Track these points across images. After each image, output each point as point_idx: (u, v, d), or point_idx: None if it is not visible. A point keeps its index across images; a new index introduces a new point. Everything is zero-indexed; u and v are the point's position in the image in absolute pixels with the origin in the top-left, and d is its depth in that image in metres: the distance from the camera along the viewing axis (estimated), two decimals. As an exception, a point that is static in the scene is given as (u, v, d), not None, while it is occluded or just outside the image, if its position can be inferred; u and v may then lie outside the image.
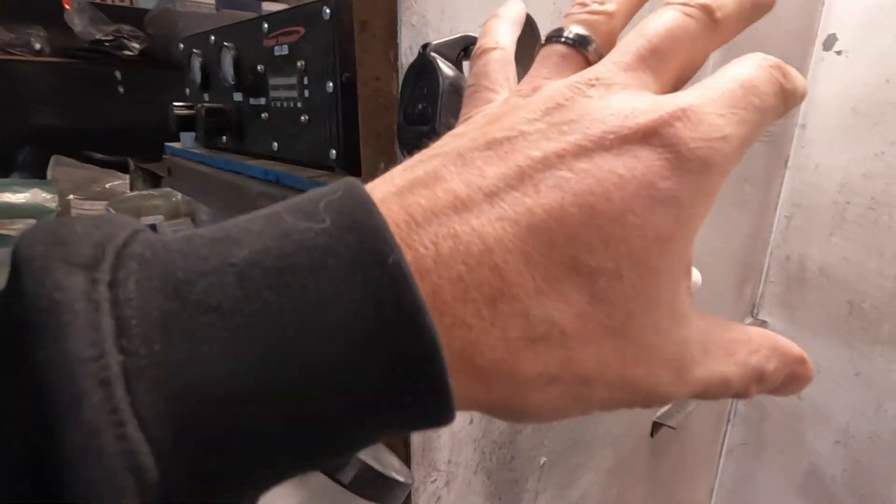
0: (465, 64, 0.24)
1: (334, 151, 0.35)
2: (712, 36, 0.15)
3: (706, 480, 1.18)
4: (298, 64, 0.35)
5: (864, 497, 1.06)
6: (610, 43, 0.16)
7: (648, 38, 0.14)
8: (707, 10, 0.15)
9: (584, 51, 0.15)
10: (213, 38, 0.46)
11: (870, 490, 1.05)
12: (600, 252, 0.12)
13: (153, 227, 1.02)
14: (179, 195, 1.05)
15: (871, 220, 0.97)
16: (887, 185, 0.93)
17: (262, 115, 0.41)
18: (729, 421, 1.23)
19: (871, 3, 0.89)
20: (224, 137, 0.49)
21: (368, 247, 0.11)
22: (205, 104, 0.44)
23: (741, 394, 0.16)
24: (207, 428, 0.10)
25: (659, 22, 0.14)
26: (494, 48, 0.18)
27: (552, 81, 0.15)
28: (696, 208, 0.13)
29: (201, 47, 0.48)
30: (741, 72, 0.14)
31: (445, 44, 0.24)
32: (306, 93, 0.36)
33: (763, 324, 1.12)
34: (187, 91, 0.54)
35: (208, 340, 0.10)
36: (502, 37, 0.19)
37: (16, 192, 0.90)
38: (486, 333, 0.12)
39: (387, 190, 0.13)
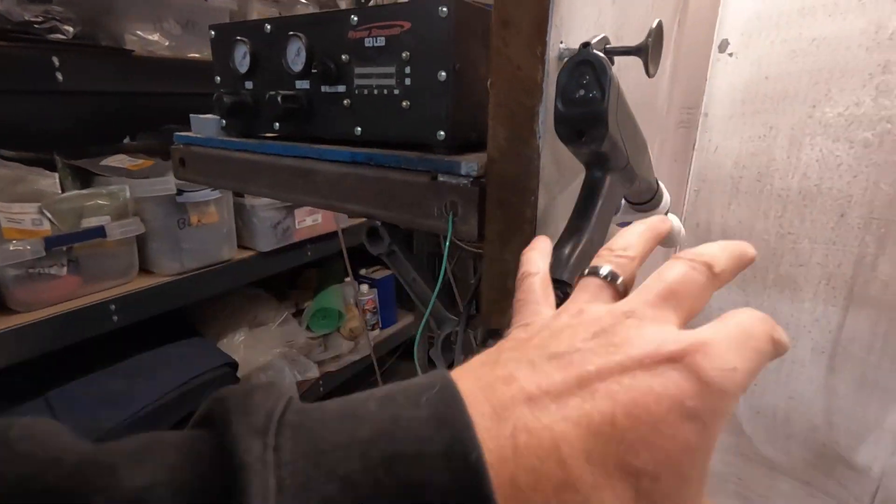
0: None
1: (442, 133, 0.40)
2: (712, 284, 0.20)
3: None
4: (403, 55, 0.40)
5: (761, 410, 1.31)
6: (632, 279, 0.21)
7: (667, 283, 0.19)
8: (708, 266, 0.20)
9: (615, 285, 0.21)
10: (268, 26, 0.48)
11: (765, 403, 1.30)
12: (643, 455, 0.15)
13: (100, 230, 0.94)
14: (127, 193, 0.97)
15: (758, 189, 1.20)
16: (769, 161, 1.16)
17: (344, 101, 0.44)
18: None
19: (751, 15, 1.09)
20: (277, 124, 0.50)
21: (457, 441, 0.14)
22: (280, 91, 0.45)
23: None
24: None
25: (674, 271, 0.19)
26: (536, 273, 0.24)
27: (593, 305, 0.19)
28: (715, 426, 0.16)
29: (250, 35, 0.49)
30: (743, 321, 0.18)
31: (598, 44, 0.31)
32: (408, 81, 0.40)
33: (680, 281, 1.33)
34: (218, 79, 0.54)
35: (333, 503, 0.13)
36: (540, 265, 0.25)
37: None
38: None
39: (473, 385, 0.16)
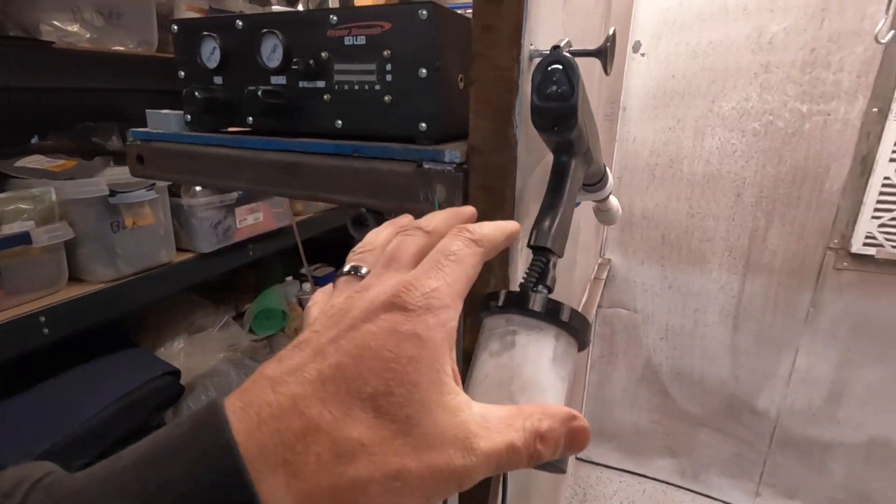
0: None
1: (424, 125, 0.44)
2: (430, 240, 0.24)
3: (578, 390, 1.48)
4: (385, 53, 0.43)
5: (680, 372, 1.48)
6: (373, 266, 0.25)
7: (387, 254, 0.24)
8: (419, 228, 0.25)
9: (359, 275, 0.24)
10: (240, 23, 0.49)
11: (683, 365, 1.47)
12: (371, 381, 0.18)
13: (25, 237, 0.87)
14: (53, 195, 0.90)
15: (670, 174, 1.34)
16: (678, 149, 1.31)
17: (324, 96, 0.47)
18: (592, 342, 1.57)
19: (659, 20, 1.23)
20: (251, 119, 0.51)
21: (211, 435, 0.16)
22: (260, 87, 0.46)
23: (533, 456, 0.20)
24: None
25: (393, 244, 0.24)
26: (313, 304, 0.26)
27: (337, 298, 0.23)
28: (432, 333, 0.19)
29: (219, 31, 0.50)
30: (441, 244, 0.23)
31: (564, 46, 0.37)
32: (388, 77, 0.44)
33: (608, 261, 1.46)
34: (182, 74, 0.54)
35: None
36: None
37: None
38: (304, 462, 0.16)
39: (233, 396, 0.18)
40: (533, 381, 0.32)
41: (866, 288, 1.23)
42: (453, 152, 0.42)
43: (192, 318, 1.50)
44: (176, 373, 1.21)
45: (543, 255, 0.37)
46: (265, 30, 0.47)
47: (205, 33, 0.50)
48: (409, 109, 0.44)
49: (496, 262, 0.43)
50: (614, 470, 1.66)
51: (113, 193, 0.96)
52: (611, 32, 0.38)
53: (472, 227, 0.24)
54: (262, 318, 1.58)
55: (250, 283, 1.71)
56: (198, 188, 1.17)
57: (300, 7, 1.46)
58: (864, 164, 1.16)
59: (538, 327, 0.33)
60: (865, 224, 1.18)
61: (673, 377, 1.50)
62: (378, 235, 0.28)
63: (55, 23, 0.91)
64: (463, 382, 0.31)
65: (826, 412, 1.34)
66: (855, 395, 1.30)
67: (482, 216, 0.41)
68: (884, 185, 1.14)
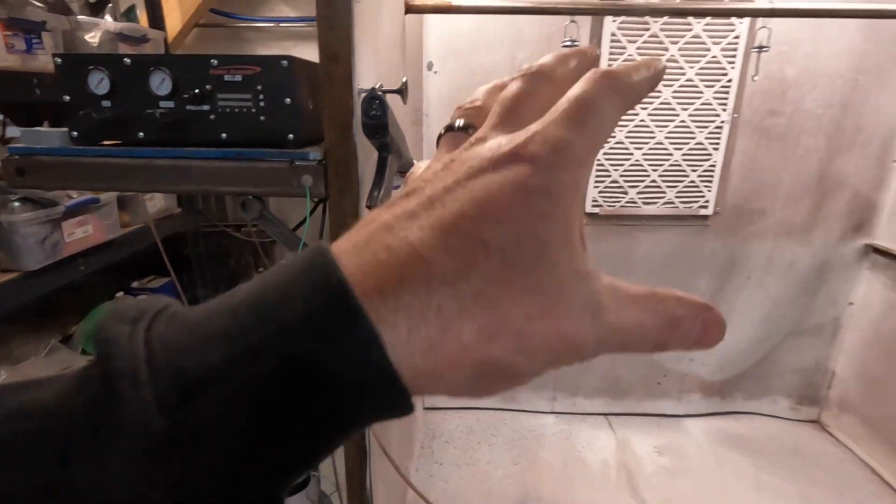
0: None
1: (291, 135, 0.66)
2: (551, 89, 0.20)
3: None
4: (258, 87, 0.63)
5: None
6: (482, 123, 0.22)
7: (504, 105, 0.20)
8: (541, 74, 0.21)
9: (467, 132, 0.22)
10: (127, 60, 0.63)
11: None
12: (497, 232, 0.16)
13: None
14: None
15: (466, 165, 1.73)
16: (469, 146, 1.70)
17: (210, 116, 0.65)
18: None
19: (443, 46, 1.58)
20: (142, 134, 0.66)
21: (320, 273, 0.16)
22: (159, 109, 0.61)
23: (660, 342, 0.19)
24: (203, 398, 0.14)
25: (509, 91, 0.20)
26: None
27: (449, 153, 0.20)
28: (563, 191, 0.17)
29: (107, 65, 0.63)
30: (575, 91, 0.18)
31: (379, 87, 0.63)
32: (262, 103, 0.64)
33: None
34: (68, 98, 0.65)
35: (205, 351, 0.15)
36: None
37: None
38: (425, 309, 0.15)
39: (343, 239, 0.17)
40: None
41: (599, 235, 1.78)
42: (315, 153, 0.64)
43: (10, 347, 1.39)
44: (8, 401, 1.15)
45: (380, 211, 0.63)
46: (153, 67, 0.63)
47: (92, 67, 0.63)
48: (279, 125, 0.65)
49: (350, 220, 0.67)
50: (453, 409, 2.03)
51: (-78, 214, 0.92)
52: (404, 80, 0.65)
53: (614, 71, 0.19)
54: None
55: (72, 305, 1.60)
56: (16, 203, 1.13)
57: (107, 17, 1.45)
58: (585, 151, 1.69)
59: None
60: (591, 192, 1.72)
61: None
62: (481, 91, 0.25)
63: None
64: None
65: (586, 327, 1.89)
66: (601, 311, 1.88)
67: (338, 194, 0.66)
68: (598, 165, 1.69)
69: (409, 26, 1.22)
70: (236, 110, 0.65)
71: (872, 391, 1.77)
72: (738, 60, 1.57)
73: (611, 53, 1.56)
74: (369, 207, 0.61)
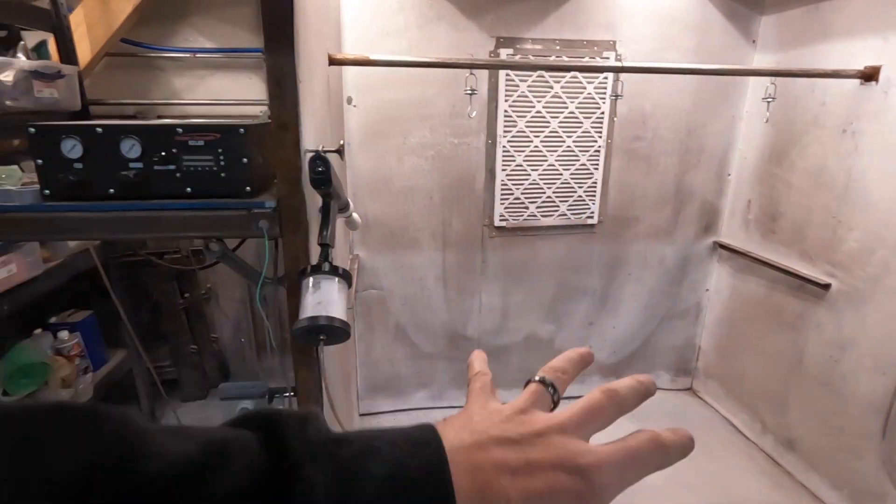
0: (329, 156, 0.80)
1: (248, 188, 0.80)
2: (618, 409, 0.30)
3: (352, 358, 1.91)
4: (218, 150, 0.77)
5: (418, 325, 2.06)
6: (563, 392, 0.32)
7: (586, 410, 0.28)
8: (615, 396, 0.30)
9: (553, 392, 0.31)
10: (100, 129, 0.74)
11: (419, 320, 2.05)
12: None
13: None
14: None
15: (386, 189, 1.90)
16: (388, 171, 1.87)
17: (176, 174, 0.77)
18: (355, 320, 2.01)
19: (359, 82, 1.75)
20: (112, 190, 0.77)
21: (441, 492, 0.23)
22: (130, 170, 0.73)
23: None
24: None
25: (592, 400, 0.29)
26: (486, 374, 0.35)
27: (535, 410, 0.29)
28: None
29: (80, 133, 0.73)
30: (633, 444, 0.28)
31: (322, 149, 0.79)
32: (222, 162, 0.78)
33: (357, 256, 1.94)
34: (40, 162, 0.74)
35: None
36: (486, 369, 0.35)
37: None
38: None
39: (457, 445, 0.26)
40: (332, 299, 0.74)
41: (506, 246, 2.04)
42: (270, 202, 0.79)
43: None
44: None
45: (326, 248, 0.79)
46: (123, 135, 0.74)
47: (64, 136, 0.73)
48: (237, 179, 0.79)
49: (301, 254, 0.82)
50: (388, 413, 2.19)
51: None
52: (341, 142, 0.82)
53: (665, 445, 0.28)
54: (17, 377, 1.49)
55: (-17, 347, 1.55)
56: (-63, 249, 1.13)
57: (20, 55, 1.45)
58: (490, 173, 1.94)
59: (331, 277, 0.76)
60: (497, 208, 1.97)
61: (415, 330, 2.10)
62: (570, 364, 0.34)
63: None
64: (299, 312, 0.71)
65: (502, 326, 2.15)
66: (514, 311, 2.14)
67: (289, 235, 0.81)
68: (502, 185, 1.95)
69: (331, 68, 1.38)
70: (199, 169, 0.78)
71: (726, 359, 2.20)
72: (608, 97, 1.91)
73: (507, 89, 1.83)
74: (321, 245, 0.77)
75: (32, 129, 0.72)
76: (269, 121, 0.81)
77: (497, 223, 1.99)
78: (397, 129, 1.84)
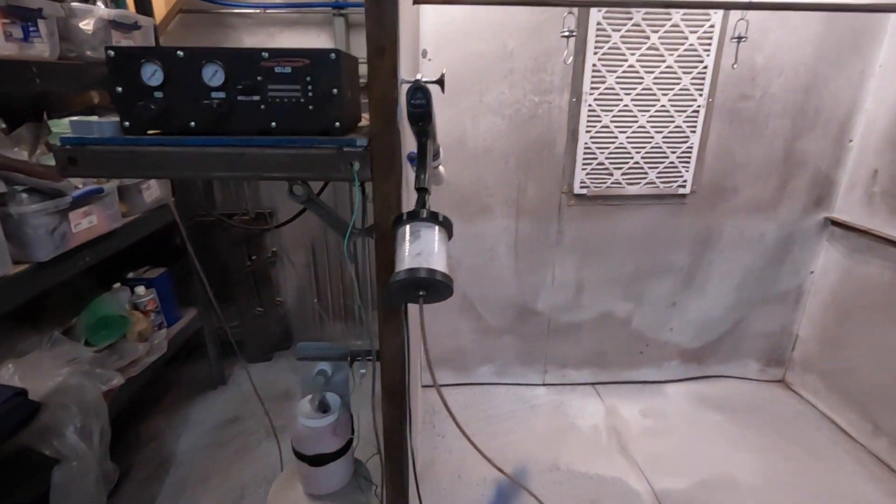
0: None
1: (338, 123, 0.70)
2: None
3: (417, 330, 1.85)
4: (307, 78, 0.68)
5: (485, 297, 1.96)
6: None
7: None
8: None
9: None
10: (181, 53, 0.66)
11: (486, 292, 1.95)
12: None
13: None
14: None
15: (459, 150, 1.77)
16: (462, 131, 1.73)
17: (260, 106, 0.69)
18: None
19: (437, 35, 1.62)
20: (193, 123, 0.69)
21: None
22: (212, 99, 0.65)
23: None
24: None
25: None
26: None
27: None
28: None
29: (161, 58, 0.66)
30: None
31: (420, 78, 0.68)
32: (310, 93, 0.69)
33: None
34: (120, 90, 0.67)
35: None
36: None
37: None
38: None
39: None
40: (432, 250, 0.63)
41: (585, 215, 1.88)
42: (361, 139, 0.70)
43: (10, 343, 1.38)
44: (24, 392, 1.16)
45: (424, 193, 0.69)
46: (205, 60, 0.66)
47: (144, 60, 0.66)
48: (326, 114, 0.70)
49: (393, 201, 0.72)
50: (450, 386, 2.12)
51: (-59, 206, 0.91)
52: (443, 71, 0.71)
53: None
54: (98, 328, 1.52)
55: (70, 296, 1.59)
56: (24, 195, 1.13)
57: (99, 4, 1.43)
58: (573, 135, 1.78)
59: (431, 225, 0.65)
60: (578, 174, 1.81)
61: (481, 303, 1.99)
62: None
63: None
64: (395, 265, 0.61)
65: (574, 302, 2.00)
66: (589, 286, 1.98)
67: (381, 179, 0.71)
68: (585, 148, 1.78)
69: (409, 19, 1.26)
70: (285, 100, 0.69)
71: (831, 351, 1.96)
72: (713, 48, 1.68)
73: (597, 40, 1.64)
74: (419, 189, 0.67)
75: (111, 53, 0.66)
76: (355, 58, 0.70)
77: (577, 190, 1.83)
78: (474, 86, 1.70)
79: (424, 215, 0.65)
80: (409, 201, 0.79)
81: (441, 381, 2.11)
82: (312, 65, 0.68)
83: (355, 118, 0.71)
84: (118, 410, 1.45)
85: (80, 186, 1.25)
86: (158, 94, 0.68)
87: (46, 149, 1.30)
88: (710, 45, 1.67)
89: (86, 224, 1.29)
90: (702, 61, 1.69)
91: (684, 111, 1.76)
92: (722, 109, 1.77)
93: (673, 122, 1.77)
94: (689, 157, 1.82)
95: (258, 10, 1.95)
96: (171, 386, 2.11)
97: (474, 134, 1.76)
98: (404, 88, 0.70)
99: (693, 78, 1.71)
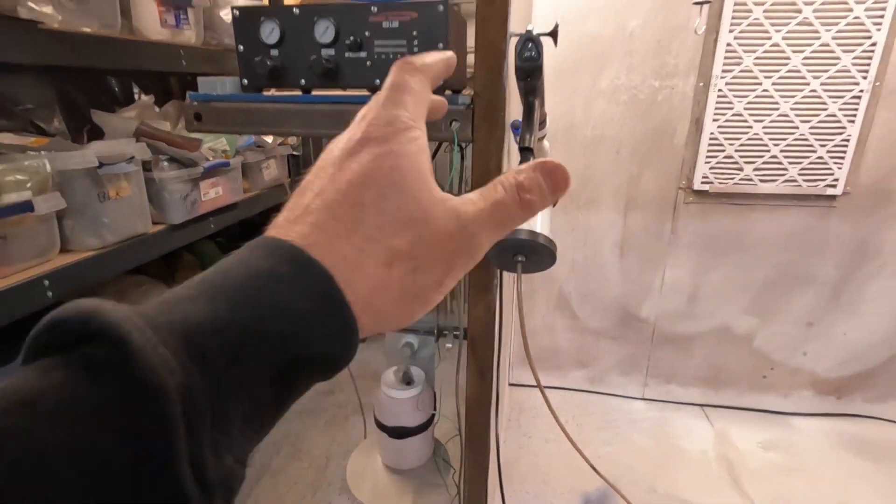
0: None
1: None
2: (422, 76, 0.26)
3: (510, 323, 1.78)
4: (413, 33, 0.66)
5: (585, 295, 1.85)
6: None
7: (387, 87, 0.26)
8: (412, 65, 0.26)
9: None
10: (296, 10, 0.68)
11: (587, 290, 1.84)
12: (367, 193, 0.22)
13: (27, 205, 0.93)
14: (48, 166, 0.97)
15: (568, 137, 1.69)
16: (572, 117, 1.64)
17: (367, 63, 0.68)
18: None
19: (551, 14, 1.55)
20: (303, 80, 0.71)
21: (275, 242, 0.21)
22: (322, 57, 0.66)
23: (523, 204, 0.25)
24: (202, 345, 0.17)
25: (390, 78, 0.26)
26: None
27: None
28: (404, 149, 0.23)
29: (278, 15, 0.68)
30: (388, 79, 0.26)
31: (532, 29, 0.63)
32: (416, 49, 0.67)
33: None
34: (241, 48, 0.71)
35: (191, 305, 0.18)
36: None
37: None
38: (339, 260, 0.21)
39: (279, 219, 0.23)
40: (536, 218, 0.58)
41: (706, 214, 1.68)
42: (464, 97, 0.66)
43: (148, 298, 1.55)
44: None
45: (528, 153, 0.63)
46: (318, 16, 0.67)
47: (263, 18, 0.68)
48: (430, 70, 0.67)
49: (494, 163, 0.68)
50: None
51: (100, 165, 1.05)
52: (556, 24, 0.65)
53: (412, 58, 0.27)
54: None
55: (193, 263, 1.77)
56: (166, 163, 1.26)
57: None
58: (697, 124, 1.60)
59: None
60: (701, 168, 1.62)
61: (580, 301, 1.88)
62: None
63: (31, 4, 0.97)
64: None
65: (687, 311, 1.80)
66: (705, 295, 1.77)
67: (483, 138, 0.67)
68: (711, 139, 1.59)
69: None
70: (391, 56, 0.67)
71: None
72: (887, 21, 1.40)
73: (734, 16, 1.46)
74: (522, 150, 0.62)
75: (236, 12, 0.69)
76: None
77: (697, 186, 1.64)
78: (587, 69, 1.60)
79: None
80: (510, 168, 0.74)
81: (529, 381, 2.02)
82: (420, 18, 0.65)
83: (461, 72, 0.68)
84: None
85: (210, 159, 1.38)
86: (274, 52, 0.70)
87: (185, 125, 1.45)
88: (881, 17, 1.40)
89: (213, 194, 1.42)
90: (869, 37, 1.43)
91: (841, 97, 1.49)
92: (893, 96, 1.48)
93: (826, 109, 1.51)
94: (844, 152, 1.54)
95: None
96: (276, 355, 2.27)
97: (584, 121, 1.66)
98: (513, 42, 0.65)
99: (856, 57, 1.45)
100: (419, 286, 0.22)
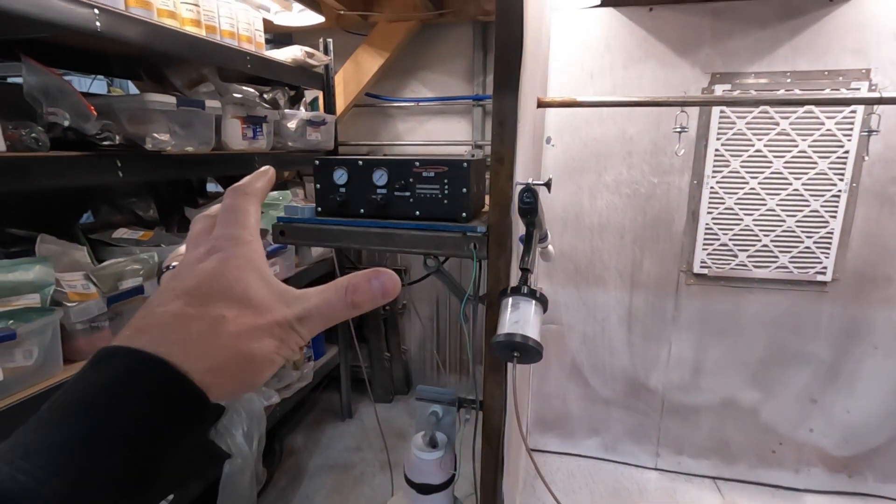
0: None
1: (465, 213, 0.91)
2: (250, 198, 0.32)
3: (525, 390, 1.93)
4: (444, 181, 0.90)
5: (595, 366, 2.00)
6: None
7: (221, 211, 0.32)
8: (243, 189, 0.32)
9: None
10: (360, 162, 0.94)
11: (597, 360, 1.99)
12: (216, 284, 0.28)
13: (139, 289, 1.19)
14: (156, 258, 1.24)
15: (576, 224, 1.91)
16: (580, 207, 1.88)
17: (409, 199, 0.93)
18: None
19: (560, 122, 1.81)
20: (362, 210, 0.95)
21: (120, 351, 0.24)
22: (378, 195, 0.91)
23: (351, 304, 0.30)
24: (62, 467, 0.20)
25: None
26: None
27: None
28: (242, 251, 0.29)
29: (347, 165, 0.94)
30: (224, 203, 0.32)
31: (533, 182, 0.86)
32: (446, 191, 0.91)
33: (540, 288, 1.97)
34: (318, 186, 0.97)
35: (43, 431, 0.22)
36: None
37: (21, 270, 0.98)
38: (187, 337, 0.25)
39: (127, 329, 0.26)
40: (528, 320, 0.78)
41: (706, 295, 1.85)
42: (481, 227, 0.89)
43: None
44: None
45: (526, 272, 0.85)
46: (375, 167, 0.92)
47: (336, 166, 0.94)
48: (457, 206, 0.91)
49: (503, 276, 0.90)
50: (555, 454, 2.13)
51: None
52: (549, 177, 0.89)
53: (242, 184, 0.32)
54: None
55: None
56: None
57: (301, 108, 1.91)
58: (693, 216, 1.80)
59: (529, 299, 0.81)
60: (699, 254, 1.81)
61: (591, 371, 2.02)
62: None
63: (155, 135, 1.28)
64: (497, 328, 0.77)
65: (692, 383, 1.93)
66: (708, 369, 1.90)
67: (494, 258, 0.89)
68: (706, 229, 1.78)
69: (536, 110, 1.47)
70: (428, 196, 0.92)
71: None
72: (856, 132, 1.61)
73: (720, 127, 1.69)
74: (522, 269, 0.84)
75: (317, 162, 0.96)
76: (483, 158, 0.91)
77: (697, 269, 1.82)
78: (592, 167, 1.85)
79: (525, 291, 0.81)
80: (517, 275, 0.95)
81: (546, 447, 2.14)
82: (449, 171, 0.90)
83: (480, 206, 0.91)
84: (271, 424, 1.77)
85: (272, 243, 1.65)
86: (342, 190, 0.96)
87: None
88: (851, 130, 1.62)
89: (274, 270, 1.68)
90: (841, 146, 1.63)
91: (822, 195, 1.68)
92: (869, 193, 1.66)
93: (808, 206, 1.70)
94: (830, 243, 1.71)
95: (412, 104, 2.36)
96: (311, 411, 2.46)
97: (591, 210, 1.89)
98: (518, 188, 0.89)
99: (832, 163, 1.65)
100: (253, 356, 0.27)
